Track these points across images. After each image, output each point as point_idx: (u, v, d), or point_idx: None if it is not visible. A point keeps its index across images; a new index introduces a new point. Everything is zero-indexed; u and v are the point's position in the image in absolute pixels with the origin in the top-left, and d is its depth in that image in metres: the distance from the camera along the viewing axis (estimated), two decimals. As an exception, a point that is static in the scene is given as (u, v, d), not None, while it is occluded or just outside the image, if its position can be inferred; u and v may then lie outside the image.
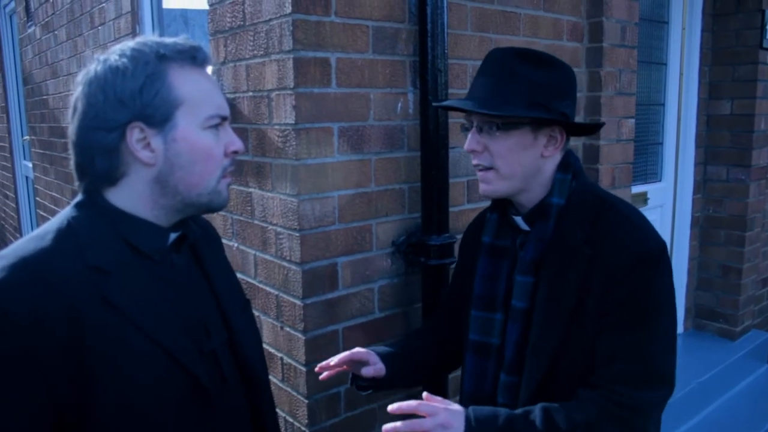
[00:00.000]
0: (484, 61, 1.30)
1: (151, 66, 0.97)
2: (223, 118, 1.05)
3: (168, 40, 1.02)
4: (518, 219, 1.33)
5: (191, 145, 1.00)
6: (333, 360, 1.41)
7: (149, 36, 1.03)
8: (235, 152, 1.07)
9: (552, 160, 1.29)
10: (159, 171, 0.99)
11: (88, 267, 0.92)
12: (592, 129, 1.32)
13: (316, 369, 1.43)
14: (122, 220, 1.00)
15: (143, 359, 0.93)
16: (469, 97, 1.30)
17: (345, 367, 1.43)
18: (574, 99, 1.30)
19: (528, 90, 1.22)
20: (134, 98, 0.96)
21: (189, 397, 0.98)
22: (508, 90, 1.23)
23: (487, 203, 1.45)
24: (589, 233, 1.23)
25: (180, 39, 1.03)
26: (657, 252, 1.20)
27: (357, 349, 1.43)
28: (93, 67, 1.00)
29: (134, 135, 0.97)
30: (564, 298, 1.21)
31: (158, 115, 0.97)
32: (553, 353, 1.21)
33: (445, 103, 1.38)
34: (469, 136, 1.29)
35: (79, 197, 1.02)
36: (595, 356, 1.19)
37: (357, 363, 1.42)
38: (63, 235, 0.95)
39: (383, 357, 1.44)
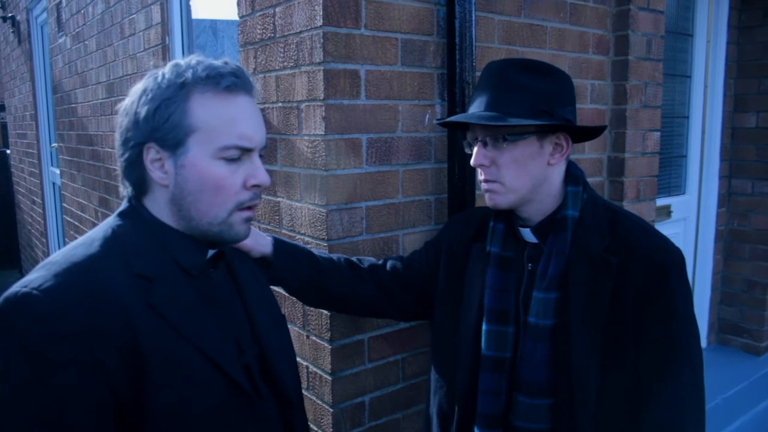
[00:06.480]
0: (481, 74, 1.30)
1: (170, 90, 0.99)
2: (245, 150, 1.02)
3: (202, 63, 1.02)
4: (525, 231, 1.32)
5: (199, 173, 1.00)
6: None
7: (194, 57, 1.04)
8: (256, 186, 1.04)
9: (558, 168, 1.29)
10: (172, 193, 1.02)
11: (134, 275, 0.95)
12: (596, 132, 1.33)
13: None
14: (164, 232, 1.02)
15: (189, 365, 0.96)
16: (470, 111, 1.29)
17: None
18: (574, 105, 1.30)
19: (531, 99, 1.22)
20: (147, 120, 0.99)
21: (231, 402, 1.01)
22: (510, 101, 1.23)
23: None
24: (609, 242, 1.24)
25: (217, 62, 1.03)
26: (681, 257, 1.24)
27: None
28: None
29: (150, 155, 1.01)
30: (600, 311, 1.21)
31: (170, 139, 0.99)
32: (598, 369, 1.20)
33: (449, 119, 1.34)
34: (475, 150, 1.28)
35: (123, 206, 1.06)
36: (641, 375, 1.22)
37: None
38: (110, 242, 0.98)
39: (279, 247, 1.40)
